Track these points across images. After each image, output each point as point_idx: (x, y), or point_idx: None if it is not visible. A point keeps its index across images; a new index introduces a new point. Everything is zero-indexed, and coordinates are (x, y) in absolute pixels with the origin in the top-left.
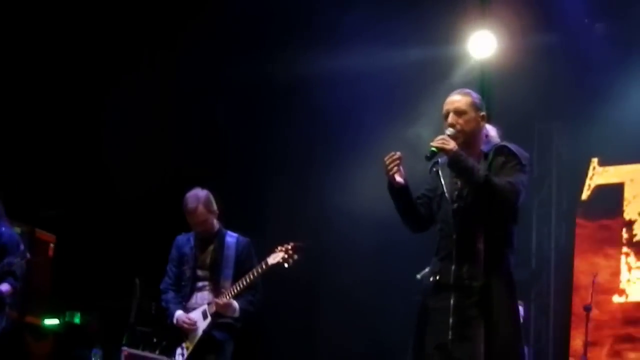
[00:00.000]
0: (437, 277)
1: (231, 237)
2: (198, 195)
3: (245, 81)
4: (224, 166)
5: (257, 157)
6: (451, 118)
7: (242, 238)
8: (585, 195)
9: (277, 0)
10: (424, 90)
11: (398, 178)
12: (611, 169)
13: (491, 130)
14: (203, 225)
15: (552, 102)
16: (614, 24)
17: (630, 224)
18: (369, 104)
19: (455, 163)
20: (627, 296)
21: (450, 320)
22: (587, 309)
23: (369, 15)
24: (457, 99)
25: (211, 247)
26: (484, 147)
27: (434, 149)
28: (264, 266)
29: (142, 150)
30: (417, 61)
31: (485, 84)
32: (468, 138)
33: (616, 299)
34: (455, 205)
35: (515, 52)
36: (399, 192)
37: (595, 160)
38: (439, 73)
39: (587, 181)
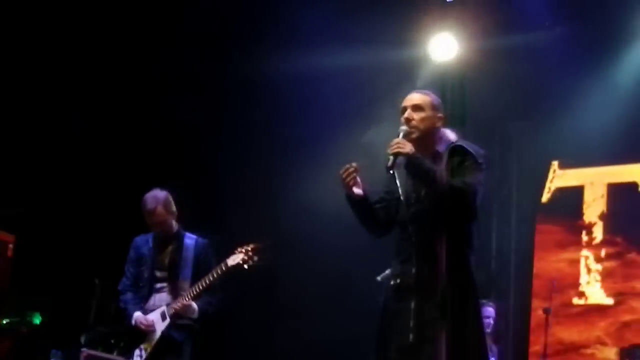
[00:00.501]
0: (398, 280)
1: (190, 239)
2: (157, 195)
3: (204, 79)
4: (182, 166)
5: (216, 157)
6: (407, 113)
7: (200, 239)
8: (545, 197)
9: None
10: (384, 92)
11: (356, 190)
12: (571, 172)
13: (450, 134)
14: (162, 226)
15: (513, 104)
16: (575, 27)
17: (589, 227)
18: (329, 105)
19: (412, 166)
20: (586, 298)
21: (412, 323)
22: (547, 311)
23: (330, 15)
24: (416, 97)
25: (170, 248)
26: (439, 148)
27: (391, 156)
28: (223, 267)
29: (101, 148)
30: (377, 63)
31: (446, 87)
32: (423, 135)
33: (576, 301)
34: (413, 208)
35: (477, 54)
36: (357, 203)
37: (555, 163)
38: (399, 75)
39: (548, 184)
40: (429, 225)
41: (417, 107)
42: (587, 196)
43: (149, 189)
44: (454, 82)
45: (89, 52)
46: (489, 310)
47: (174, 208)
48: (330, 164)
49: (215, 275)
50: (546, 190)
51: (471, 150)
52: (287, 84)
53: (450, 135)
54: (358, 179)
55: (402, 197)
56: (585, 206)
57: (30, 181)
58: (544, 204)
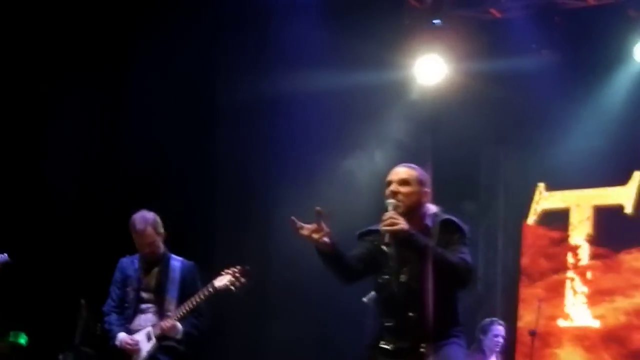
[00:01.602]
0: (388, 346)
1: (176, 261)
2: (146, 216)
3: (187, 101)
4: (167, 189)
5: (201, 180)
6: (393, 186)
7: (187, 262)
8: (531, 220)
9: (221, 21)
10: (370, 114)
11: (324, 239)
12: (557, 194)
13: (433, 208)
14: (150, 247)
15: (499, 127)
16: (562, 51)
17: (575, 249)
18: (313, 128)
19: (408, 243)
20: (572, 320)
21: None
22: (532, 333)
23: (315, 37)
24: (402, 171)
25: (156, 270)
26: (427, 222)
27: (388, 230)
28: (210, 289)
29: (86, 169)
30: (364, 85)
31: (432, 110)
32: (409, 210)
33: (561, 323)
34: (407, 284)
35: (463, 77)
36: (325, 256)
37: (541, 185)
38: (385, 98)
39: (534, 205)
40: (422, 298)
41: (403, 182)
42: (573, 218)
43: (134, 210)
44: (440, 104)
45: (72, 67)
46: (499, 329)
47: (162, 229)
48: (315, 187)
49: (202, 297)
50: (532, 212)
51: (462, 226)
52: (271, 106)
53: (433, 209)
54: (324, 226)
55: (388, 276)
56: (571, 228)
57: (12, 200)
58: (530, 226)
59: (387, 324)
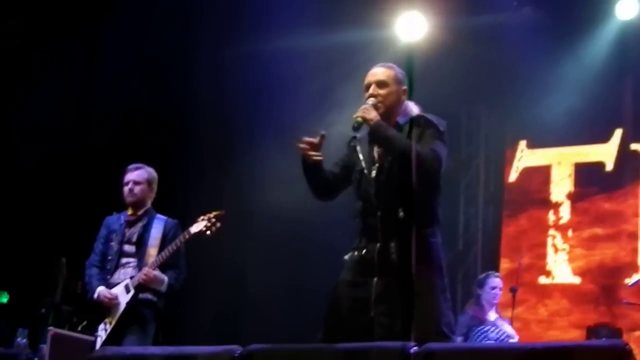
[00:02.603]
0: (362, 253)
1: (160, 218)
2: (143, 165)
3: (165, 60)
4: (143, 150)
5: (177, 140)
6: (372, 89)
7: (170, 220)
8: (512, 177)
9: None
10: (350, 73)
11: (315, 157)
12: (539, 152)
13: (413, 107)
14: (135, 187)
15: (480, 84)
16: (543, 8)
17: (557, 207)
18: (294, 86)
19: (376, 133)
20: (553, 277)
21: (373, 297)
22: (513, 290)
23: None
24: (380, 71)
25: (139, 224)
26: (400, 119)
27: (358, 119)
28: (186, 235)
29: (63, 128)
30: (344, 43)
31: (412, 67)
32: (388, 110)
33: (542, 280)
34: (378, 181)
35: (444, 34)
36: (311, 168)
37: (523, 143)
38: (366, 56)
39: (515, 163)
40: (394, 199)
41: (381, 83)
42: (555, 176)
43: (114, 169)
44: (421, 62)
45: (45, 29)
46: (496, 281)
47: (155, 186)
48: (291, 149)
49: (178, 244)
50: (514, 169)
51: (433, 121)
52: (252, 64)
53: (414, 108)
54: (320, 147)
55: (365, 170)
56: (552, 186)
57: None
58: (512, 184)
59: (359, 224)
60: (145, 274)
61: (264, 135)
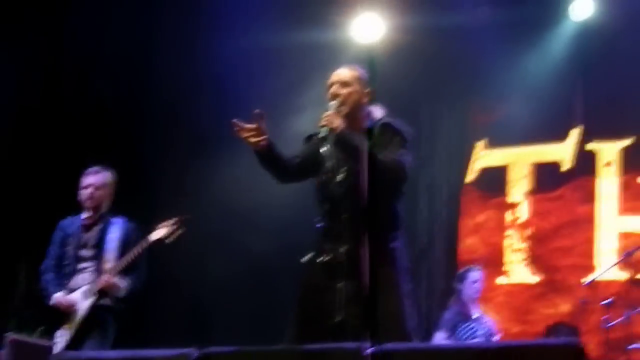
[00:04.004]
0: (327, 258)
1: (117, 221)
2: (102, 168)
3: (125, 60)
4: (108, 150)
5: (137, 140)
6: (334, 88)
7: (128, 222)
8: (470, 177)
9: None
10: (307, 75)
11: (262, 144)
12: (496, 152)
13: (377, 110)
14: (94, 191)
15: (438, 84)
16: (499, 7)
17: (513, 206)
18: (250, 87)
19: (341, 142)
20: (510, 277)
21: (340, 301)
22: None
23: None
24: (343, 72)
25: (96, 228)
26: (366, 124)
27: (324, 128)
28: (146, 242)
29: (25, 129)
30: (301, 44)
31: (371, 67)
32: (351, 111)
33: (500, 280)
34: (344, 185)
35: (403, 34)
36: (263, 157)
37: (481, 143)
38: (323, 57)
39: (472, 163)
40: (360, 203)
41: (344, 83)
42: (512, 175)
43: (75, 170)
44: (379, 61)
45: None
46: (476, 275)
47: (111, 187)
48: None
49: (139, 251)
50: (471, 169)
51: (400, 128)
52: (206, 65)
53: (377, 111)
54: (263, 128)
55: (331, 173)
56: (509, 186)
57: None
58: (470, 183)
59: (325, 227)
60: (105, 281)
61: (223, 135)
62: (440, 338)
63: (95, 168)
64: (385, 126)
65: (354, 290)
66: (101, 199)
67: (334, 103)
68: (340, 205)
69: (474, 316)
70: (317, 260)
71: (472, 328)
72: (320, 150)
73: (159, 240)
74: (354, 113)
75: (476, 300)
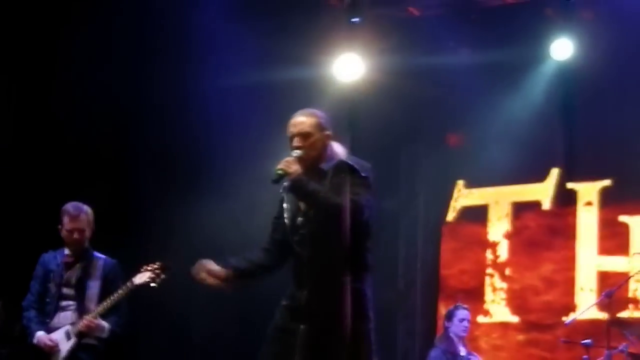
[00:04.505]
0: (289, 301)
1: (99, 258)
2: (82, 206)
3: (109, 100)
4: (93, 182)
5: (128, 174)
6: (296, 141)
7: (109, 259)
8: (450, 216)
9: (147, 15)
10: (288, 112)
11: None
12: (476, 191)
13: (337, 147)
14: (79, 235)
15: (418, 124)
16: (479, 49)
17: (494, 246)
18: (231, 124)
19: (296, 188)
20: (491, 316)
21: (298, 344)
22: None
23: (232, 33)
24: (301, 121)
25: (78, 266)
26: (325, 165)
27: (279, 171)
28: (129, 286)
29: (7, 159)
30: (282, 82)
31: (351, 107)
32: (314, 160)
33: (481, 319)
34: (302, 231)
35: (382, 75)
36: (237, 281)
37: (460, 183)
38: (304, 95)
39: (453, 203)
40: (320, 246)
41: (305, 134)
42: (492, 215)
43: (55, 205)
44: (359, 102)
45: None
46: (464, 313)
47: (93, 224)
48: (234, 186)
49: (121, 294)
50: (451, 209)
51: (356, 166)
52: (188, 102)
53: (338, 149)
54: (215, 270)
55: (287, 220)
56: (489, 225)
57: None
58: (450, 223)
59: (291, 271)
60: (87, 324)
61: (208, 176)
62: None
63: (74, 207)
64: (341, 165)
65: (313, 334)
66: (83, 240)
67: (297, 152)
68: (299, 250)
69: (461, 354)
70: (282, 303)
71: None
72: (281, 193)
73: (143, 285)
74: (317, 158)
75: (463, 338)
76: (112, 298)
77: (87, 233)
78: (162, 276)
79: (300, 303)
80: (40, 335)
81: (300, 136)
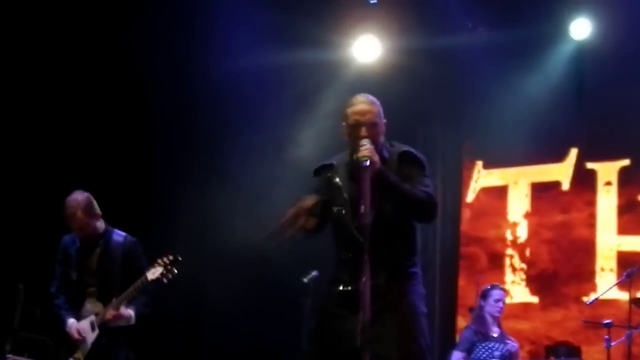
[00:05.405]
0: (349, 288)
1: (118, 237)
2: (77, 199)
3: (133, 83)
4: (107, 165)
5: (141, 157)
6: (366, 132)
7: (129, 238)
8: (470, 197)
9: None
10: (308, 94)
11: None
12: (496, 172)
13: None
14: (84, 230)
15: (436, 105)
16: (497, 28)
17: (514, 226)
18: (251, 106)
19: (381, 180)
20: (511, 297)
21: (359, 329)
22: (473, 310)
23: (251, 16)
24: (369, 110)
25: (97, 251)
26: (385, 153)
27: (365, 159)
28: (143, 280)
29: (23, 144)
30: (301, 64)
31: (369, 89)
32: (377, 148)
33: None
34: (368, 219)
35: (401, 55)
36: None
37: (480, 163)
38: (323, 77)
39: (472, 184)
40: (382, 234)
41: (373, 124)
42: (511, 196)
43: (73, 188)
44: (378, 83)
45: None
46: (500, 293)
47: (96, 210)
48: (247, 172)
49: (135, 289)
50: (471, 190)
51: (420, 157)
52: (208, 85)
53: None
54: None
55: (340, 208)
56: (509, 206)
57: None
58: (469, 204)
59: (343, 257)
60: (111, 315)
61: (226, 158)
62: (457, 357)
63: (66, 206)
64: (405, 156)
65: (374, 317)
66: (92, 230)
67: (366, 143)
68: (359, 238)
69: (494, 335)
70: (338, 290)
71: (491, 347)
72: (334, 181)
73: (156, 281)
74: (378, 146)
75: (497, 319)
76: (126, 295)
77: (92, 223)
78: (175, 271)
79: (358, 290)
80: (71, 323)
81: (368, 125)
